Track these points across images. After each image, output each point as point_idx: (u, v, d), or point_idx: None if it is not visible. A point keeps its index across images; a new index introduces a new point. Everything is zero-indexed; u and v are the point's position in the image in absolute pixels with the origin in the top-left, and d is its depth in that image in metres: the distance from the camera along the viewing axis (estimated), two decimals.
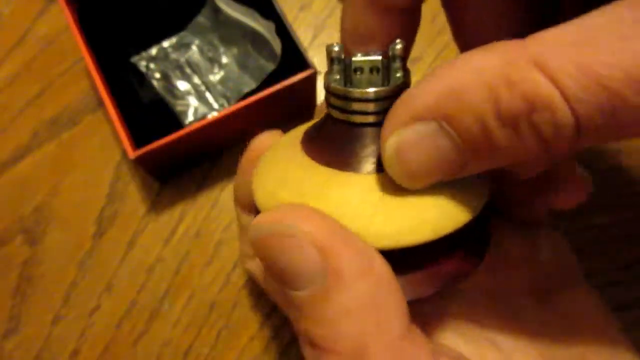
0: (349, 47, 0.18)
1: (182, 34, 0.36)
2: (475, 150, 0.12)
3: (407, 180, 0.14)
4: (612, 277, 0.31)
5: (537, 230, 0.20)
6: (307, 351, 0.13)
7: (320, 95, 0.34)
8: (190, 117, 0.34)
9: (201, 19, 0.35)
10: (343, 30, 0.18)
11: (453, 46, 0.37)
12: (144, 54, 0.35)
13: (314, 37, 0.37)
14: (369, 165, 0.15)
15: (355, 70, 0.15)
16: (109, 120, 0.35)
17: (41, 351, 0.31)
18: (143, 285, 0.32)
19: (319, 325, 0.12)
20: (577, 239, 0.28)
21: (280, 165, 0.16)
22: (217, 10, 0.34)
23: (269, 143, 0.19)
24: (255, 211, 0.16)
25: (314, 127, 0.17)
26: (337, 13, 0.38)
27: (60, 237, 0.33)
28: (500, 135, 0.11)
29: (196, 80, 0.35)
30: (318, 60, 0.35)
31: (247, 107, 0.29)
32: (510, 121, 0.11)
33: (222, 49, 0.35)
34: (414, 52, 0.37)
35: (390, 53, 0.16)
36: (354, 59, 0.15)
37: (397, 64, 0.16)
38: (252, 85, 0.33)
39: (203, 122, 0.29)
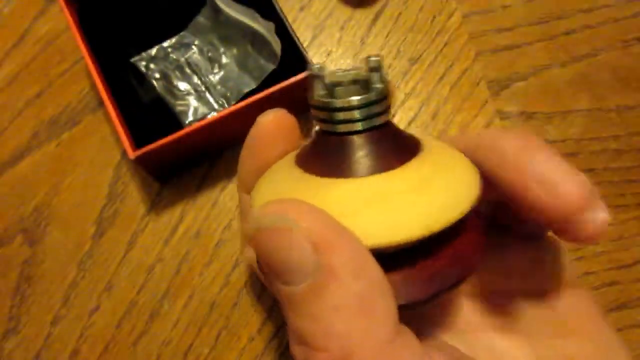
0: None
1: (182, 34, 0.36)
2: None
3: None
4: (611, 277, 0.31)
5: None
6: (296, 350, 0.13)
7: None
8: (190, 117, 0.34)
9: (201, 19, 0.35)
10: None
11: (453, 46, 0.38)
12: (144, 54, 0.35)
13: (314, 37, 0.37)
14: (359, 169, 0.15)
15: (337, 85, 0.16)
16: (109, 120, 0.35)
17: (41, 351, 0.31)
18: (143, 285, 0.32)
19: (309, 321, 0.12)
20: None
21: (276, 180, 0.17)
22: (217, 10, 0.34)
23: (275, 120, 0.19)
24: None
25: (307, 144, 0.18)
26: (337, 13, 0.38)
27: (60, 237, 0.33)
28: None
29: (196, 80, 0.35)
30: (318, 61, 0.35)
31: (247, 107, 0.29)
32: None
33: (222, 49, 0.35)
34: (414, 52, 0.37)
35: (368, 66, 0.16)
36: (336, 74, 0.16)
37: (376, 76, 0.16)
38: (252, 85, 0.33)
39: (203, 122, 0.29)
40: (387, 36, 0.37)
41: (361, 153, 0.16)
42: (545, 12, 0.38)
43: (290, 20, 0.34)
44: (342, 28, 0.37)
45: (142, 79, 0.35)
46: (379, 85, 0.16)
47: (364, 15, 0.38)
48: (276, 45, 0.32)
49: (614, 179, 0.33)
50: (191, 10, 0.35)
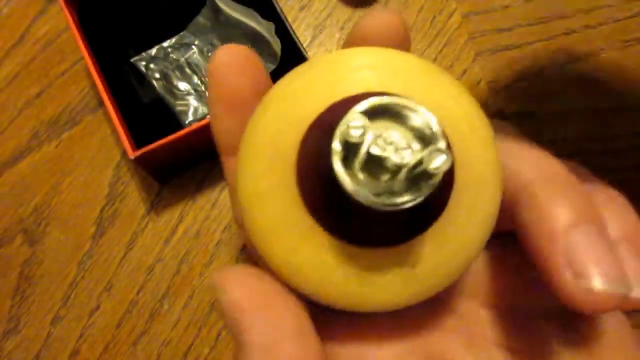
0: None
1: (182, 34, 0.36)
2: None
3: None
4: None
5: None
6: None
7: None
8: (190, 117, 0.34)
9: (201, 19, 0.35)
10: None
11: (453, 46, 0.38)
12: (144, 54, 0.35)
13: (314, 37, 0.37)
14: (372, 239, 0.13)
15: (372, 161, 0.12)
16: (109, 120, 0.35)
17: (41, 351, 0.31)
18: (143, 285, 0.32)
19: None
20: None
21: (277, 206, 0.14)
22: (217, 11, 0.34)
23: (229, 51, 0.16)
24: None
25: (315, 173, 0.13)
26: (337, 13, 0.38)
27: (60, 237, 0.33)
28: None
29: (196, 80, 0.35)
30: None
31: None
32: None
33: None
34: (414, 52, 0.37)
35: (423, 133, 0.12)
36: (371, 150, 0.11)
37: (434, 157, 0.11)
38: None
39: (203, 122, 0.29)
40: None
41: (393, 221, 0.13)
42: (545, 12, 0.38)
43: (290, 20, 0.34)
44: (342, 28, 0.37)
45: (142, 79, 0.35)
46: (434, 181, 0.11)
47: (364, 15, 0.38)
48: (276, 45, 0.32)
49: (614, 179, 0.33)
50: (191, 10, 0.35)
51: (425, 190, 0.11)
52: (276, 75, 0.16)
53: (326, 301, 0.14)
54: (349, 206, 0.12)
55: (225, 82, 0.16)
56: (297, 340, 0.13)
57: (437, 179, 0.11)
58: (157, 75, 0.35)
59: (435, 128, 0.11)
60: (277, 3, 0.32)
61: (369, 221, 0.13)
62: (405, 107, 0.12)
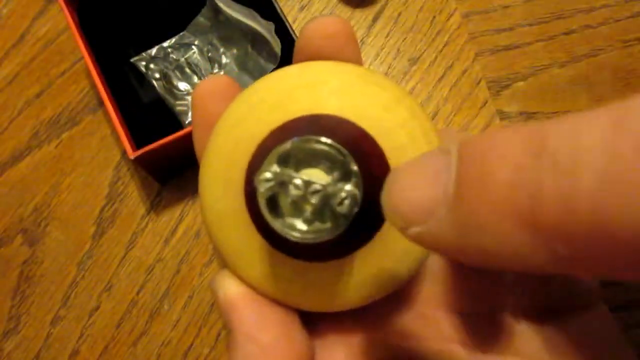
0: None
1: (182, 34, 0.36)
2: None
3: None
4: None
5: None
6: None
7: None
8: (190, 117, 0.34)
9: (201, 19, 0.35)
10: None
11: (453, 46, 0.38)
12: (144, 54, 0.35)
13: None
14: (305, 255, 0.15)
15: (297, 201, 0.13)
16: (109, 120, 0.35)
17: (41, 351, 0.31)
18: (143, 285, 0.32)
19: None
20: None
21: (232, 228, 0.15)
22: (217, 11, 0.34)
23: (213, 81, 0.17)
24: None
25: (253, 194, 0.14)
26: (337, 13, 0.38)
27: (60, 237, 0.33)
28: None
29: (196, 80, 0.35)
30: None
31: None
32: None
33: (222, 49, 0.35)
34: (414, 52, 0.37)
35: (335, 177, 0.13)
36: (286, 194, 0.13)
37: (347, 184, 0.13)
38: None
39: None
40: (387, 36, 0.37)
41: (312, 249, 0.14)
42: (545, 12, 0.38)
43: (290, 20, 0.34)
44: None
45: (142, 79, 0.35)
46: (345, 203, 0.12)
47: (364, 15, 0.38)
48: (276, 45, 0.32)
49: None
50: (191, 10, 0.35)
51: (342, 222, 0.13)
52: None
53: (285, 302, 0.16)
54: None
55: (206, 109, 0.17)
56: (281, 330, 0.15)
57: (346, 211, 0.12)
58: (157, 75, 0.35)
59: (345, 153, 0.13)
60: (277, 3, 0.32)
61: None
62: (315, 142, 0.13)
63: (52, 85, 0.36)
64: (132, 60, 0.35)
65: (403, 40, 0.37)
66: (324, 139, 0.13)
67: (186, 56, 0.35)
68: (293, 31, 0.31)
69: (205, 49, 0.36)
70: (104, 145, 0.35)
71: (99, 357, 0.31)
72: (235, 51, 0.35)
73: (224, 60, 0.35)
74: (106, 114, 0.35)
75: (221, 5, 0.34)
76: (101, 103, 0.35)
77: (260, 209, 0.13)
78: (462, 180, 0.10)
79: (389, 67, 0.36)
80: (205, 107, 0.17)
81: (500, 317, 0.17)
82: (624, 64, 0.36)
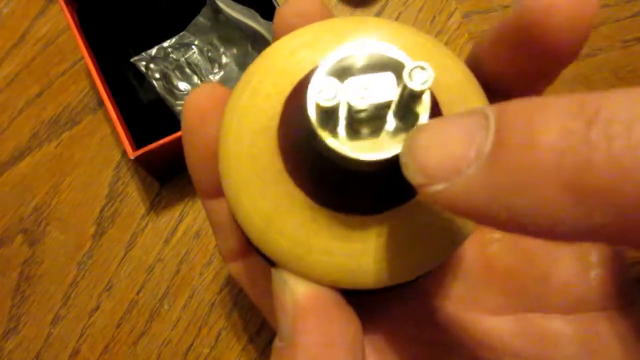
0: None
1: (182, 34, 0.36)
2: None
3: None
4: None
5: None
6: None
7: None
8: None
9: (201, 19, 0.35)
10: None
11: (453, 46, 0.37)
12: (144, 54, 0.35)
13: None
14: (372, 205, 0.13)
15: (356, 118, 0.12)
16: (109, 120, 0.35)
17: (41, 351, 0.31)
18: (143, 285, 0.32)
19: None
20: None
21: (264, 190, 0.14)
22: (217, 11, 0.34)
23: (205, 95, 0.16)
24: (246, 239, 0.15)
25: (295, 144, 0.13)
26: (337, 13, 0.38)
27: (60, 237, 0.33)
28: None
29: (196, 80, 0.35)
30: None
31: None
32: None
33: (222, 49, 0.35)
34: None
35: (405, 89, 0.11)
36: (352, 104, 0.11)
37: (421, 104, 0.11)
38: None
39: None
40: None
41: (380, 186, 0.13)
42: None
43: None
44: None
45: (142, 79, 0.35)
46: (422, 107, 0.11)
47: (364, 15, 0.38)
48: None
49: None
50: (191, 10, 0.35)
51: (413, 118, 0.11)
52: None
53: (330, 280, 0.14)
54: (332, 172, 0.12)
55: (197, 131, 0.16)
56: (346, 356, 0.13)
57: (426, 106, 0.11)
58: (157, 75, 0.35)
59: (400, 56, 0.11)
60: (277, 3, 0.32)
61: (351, 185, 0.13)
62: (365, 48, 0.12)
63: (52, 85, 0.36)
64: (132, 60, 0.35)
65: None
66: (372, 42, 0.12)
67: (186, 56, 0.35)
68: None
69: (205, 49, 0.36)
70: (104, 145, 0.35)
71: (99, 356, 0.31)
72: (235, 51, 0.35)
73: (224, 60, 0.35)
74: (106, 114, 0.35)
75: (221, 5, 0.34)
76: (101, 103, 0.35)
77: (318, 135, 0.11)
78: (502, 141, 0.09)
79: None
80: (197, 130, 0.16)
81: (537, 319, 0.17)
82: (624, 64, 0.36)
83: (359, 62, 0.12)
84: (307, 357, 0.13)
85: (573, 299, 0.17)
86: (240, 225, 0.14)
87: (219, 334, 0.31)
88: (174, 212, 0.33)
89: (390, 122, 0.12)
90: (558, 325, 0.17)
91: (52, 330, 0.32)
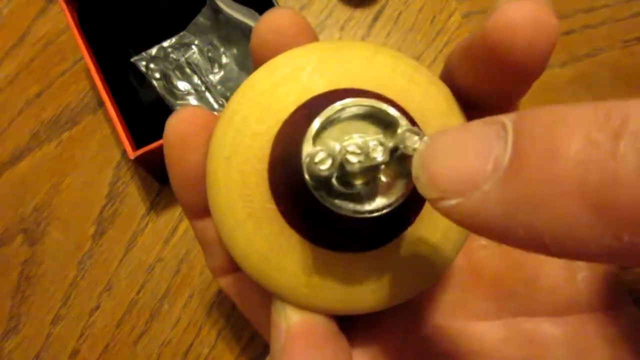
0: None
1: (182, 34, 0.36)
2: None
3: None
4: None
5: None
6: None
7: None
8: None
9: (201, 19, 0.35)
10: None
11: (453, 46, 0.37)
12: (144, 54, 0.35)
13: None
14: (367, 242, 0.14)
15: (349, 174, 0.12)
16: (109, 120, 0.35)
17: (41, 351, 0.31)
18: (143, 285, 0.32)
19: None
20: None
21: (259, 230, 0.14)
22: (217, 10, 0.34)
23: (187, 119, 0.16)
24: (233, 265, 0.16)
25: (288, 189, 0.13)
26: (337, 13, 0.38)
27: (60, 237, 0.33)
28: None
29: (196, 80, 0.35)
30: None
31: None
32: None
33: (222, 49, 0.35)
34: (414, 52, 0.37)
35: (397, 144, 0.11)
36: (346, 167, 0.11)
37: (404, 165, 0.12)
38: None
39: None
40: (387, 36, 0.37)
41: (360, 232, 0.14)
42: None
43: None
44: (342, 28, 0.37)
45: (142, 79, 0.35)
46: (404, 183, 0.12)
47: (364, 15, 0.38)
48: None
49: None
50: (191, 10, 0.35)
51: (402, 188, 0.12)
52: None
53: (327, 307, 0.14)
54: (325, 216, 0.12)
55: (181, 157, 0.16)
56: None
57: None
58: (157, 75, 0.35)
59: (393, 112, 0.12)
60: (277, 3, 0.32)
61: (343, 227, 0.13)
62: (357, 105, 0.12)
63: (52, 85, 0.36)
64: (132, 60, 0.35)
65: (403, 40, 0.37)
66: (367, 100, 0.12)
67: (186, 56, 0.35)
68: None
69: (205, 49, 0.36)
70: (104, 145, 0.35)
71: (99, 356, 0.31)
72: (235, 51, 0.35)
73: (224, 60, 0.35)
74: (106, 114, 0.35)
75: (221, 5, 0.34)
76: (101, 103, 0.35)
77: (316, 194, 0.11)
78: (521, 153, 0.09)
79: None
80: (180, 157, 0.16)
81: (527, 324, 0.17)
82: (624, 64, 0.36)
83: (350, 113, 0.12)
84: None
85: (561, 302, 0.17)
86: (237, 263, 0.15)
87: (219, 334, 0.31)
88: (174, 212, 0.33)
89: (383, 172, 0.12)
90: (546, 328, 0.17)
91: (52, 330, 0.32)
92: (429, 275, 0.15)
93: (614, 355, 0.16)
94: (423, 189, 0.10)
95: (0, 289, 0.32)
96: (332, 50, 0.15)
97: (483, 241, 0.18)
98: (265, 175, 0.14)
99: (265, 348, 0.31)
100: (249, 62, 0.34)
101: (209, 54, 0.35)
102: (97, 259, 0.33)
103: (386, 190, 0.12)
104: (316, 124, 0.12)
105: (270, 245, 0.14)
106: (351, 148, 0.11)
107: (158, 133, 0.29)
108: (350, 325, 0.16)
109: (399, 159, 0.12)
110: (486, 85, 0.14)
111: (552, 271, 0.17)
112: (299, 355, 0.14)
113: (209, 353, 0.31)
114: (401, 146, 0.11)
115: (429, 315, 0.17)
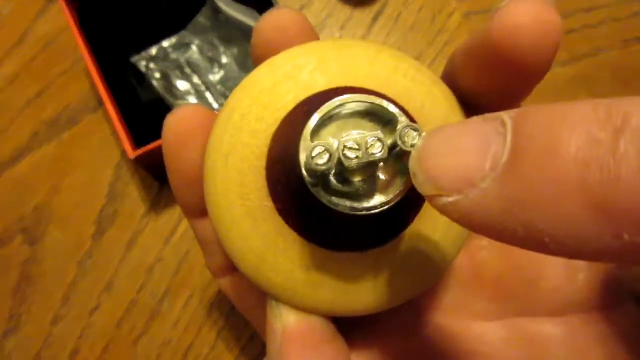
0: None
1: (182, 34, 0.36)
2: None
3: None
4: None
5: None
6: None
7: None
8: None
9: (201, 19, 0.35)
10: None
11: (453, 46, 0.37)
12: (144, 54, 0.35)
13: None
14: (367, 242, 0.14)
15: (348, 170, 0.12)
16: (109, 120, 0.35)
17: (41, 351, 0.31)
18: (143, 285, 0.32)
19: None
20: None
21: (256, 229, 0.14)
22: (217, 10, 0.34)
23: (186, 118, 0.16)
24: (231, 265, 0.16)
25: (286, 188, 0.13)
26: (337, 13, 0.38)
27: (60, 237, 0.33)
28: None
29: (196, 80, 0.35)
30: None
31: None
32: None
33: (222, 49, 0.35)
34: (414, 52, 0.37)
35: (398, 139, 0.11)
36: (344, 163, 0.11)
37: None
38: None
39: None
40: (387, 36, 0.37)
41: (358, 230, 0.13)
42: None
43: None
44: (342, 28, 0.37)
45: (142, 79, 0.35)
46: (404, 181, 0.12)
47: (364, 15, 0.38)
48: None
49: None
50: (191, 10, 0.35)
51: (400, 186, 0.11)
52: None
53: (326, 309, 0.14)
54: (323, 214, 0.12)
55: (179, 156, 0.16)
56: None
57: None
58: (157, 75, 0.35)
59: (392, 109, 0.12)
60: (277, 3, 0.32)
61: (341, 226, 0.13)
62: (356, 102, 0.12)
63: (52, 85, 0.36)
64: (132, 60, 0.35)
65: (403, 40, 0.37)
66: (367, 97, 0.12)
67: (186, 56, 0.35)
68: None
69: (205, 49, 0.36)
70: (104, 145, 0.35)
71: (99, 356, 0.31)
72: (235, 51, 0.35)
73: (224, 60, 0.35)
74: (106, 114, 0.35)
75: (221, 5, 0.34)
76: (101, 103, 0.35)
77: (313, 191, 0.11)
78: (520, 151, 0.09)
79: None
80: (178, 155, 0.16)
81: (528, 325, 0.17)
82: (624, 64, 0.36)
83: (349, 110, 0.12)
84: None
85: (562, 302, 0.17)
86: (233, 262, 0.14)
87: (219, 334, 0.31)
88: (174, 212, 0.33)
89: (382, 169, 0.12)
90: (547, 328, 0.17)
91: (52, 330, 0.32)
92: (429, 276, 0.15)
93: (614, 355, 0.16)
94: (420, 186, 0.10)
95: (0, 289, 0.32)
96: (333, 50, 0.14)
97: (484, 242, 0.18)
98: (263, 173, 0.14)
99: (265, 348, 0.31)
100: (249, 62, 0.34)
101: (209, 54, 0.35)
102: (97, 259, 0.33)
103: (385, 188, 0.12)
104: (314, 120, 0.11)
105: (267, 244, 0.14)
106: (349, 144, 0.11)
107: (158, 133, 0.29)
108: (350, 326, 0.16)
109: (398, 156, 0.11)
110: (489, 86, 0.14)
111: (553, 272, 0.17)
112: (296, 358, 0.13)
113: (209, 353, 0.31)
114: (400, 142, 0.11)
115: (430, 315, 0.17)
